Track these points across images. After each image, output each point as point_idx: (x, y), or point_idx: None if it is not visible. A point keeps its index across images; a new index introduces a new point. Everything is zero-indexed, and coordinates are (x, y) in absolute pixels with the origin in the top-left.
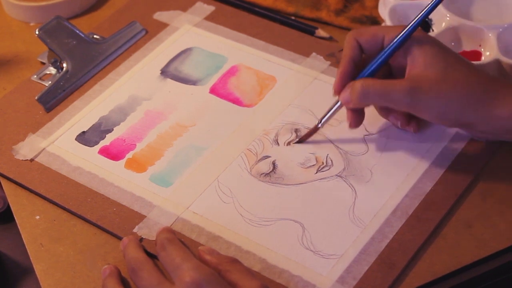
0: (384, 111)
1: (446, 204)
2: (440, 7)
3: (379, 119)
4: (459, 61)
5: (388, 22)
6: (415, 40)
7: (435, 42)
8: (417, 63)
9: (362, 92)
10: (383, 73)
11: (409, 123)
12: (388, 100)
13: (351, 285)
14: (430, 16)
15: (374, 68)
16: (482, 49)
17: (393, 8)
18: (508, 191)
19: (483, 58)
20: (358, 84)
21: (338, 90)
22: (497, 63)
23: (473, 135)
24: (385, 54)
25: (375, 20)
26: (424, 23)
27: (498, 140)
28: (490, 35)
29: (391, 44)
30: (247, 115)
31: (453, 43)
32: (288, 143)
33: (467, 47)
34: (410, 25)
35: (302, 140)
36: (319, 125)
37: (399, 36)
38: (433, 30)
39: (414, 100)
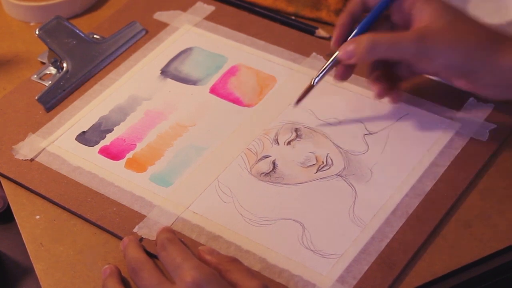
0: (373, 72)
1: (446, 204)
2: None
3: (379, 119)
4: (465, 15)
5: None
6: None
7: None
8: (424, 16)
9: (370, 45)
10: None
11: (389, 93)
12: (397, 50)
13: (351, 285)
14: None
15: (369, 20)
16: None
17: None
18: (508, 191)
19: None
20: (364, 37)
21: (338, 43)
22: None
23: (476, 91)
24: (383, 4)
25: None
26: None
27: (500, 98)
28: None
29: None
30: (247, 115)
31: None
32: (289, 143)
33: None
34: None
35: (299, 100)
36: (314, 83)
37: None
38: None
39: (421, 48)
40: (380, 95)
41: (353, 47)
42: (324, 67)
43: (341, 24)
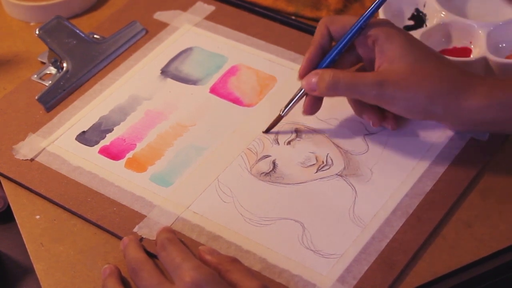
0: (358, 108)
1: (446, 204)
2: (434, 3)
3: None
4: (428, 55)
5: (382, 16)
6: (382, 31)
7: (404, 34)
8: (385, 56)
9: (331, 83)
10: (353, 65)
11: (384, 120)
12: (357, 92)
13: (351, 285)
14: (425, 11)
15: (334, 55)
16: (473, 46)
17: (387, 2)
18: (508, 191)
19: (472, 55)
20: (327, 74)
21: (303, 76)
22: (484, 60)
23: (445, 126)
24: (344, 41)
25: None
26: (418, 18)
27: (470, 132)
28: (480, 32)
29: (350, 30)
30: (247, 115)
31: (443, 39)
32: (289, 143)
33: (457, 43)
34: (368, 11)
35: (268, 130)
36: (282, 114)
37: (357, 22)
38: (426, 26)
39: (381, 93)
40: (375, 125)
41: (315, 80)
42: (293, 98)
43: (308, 57)
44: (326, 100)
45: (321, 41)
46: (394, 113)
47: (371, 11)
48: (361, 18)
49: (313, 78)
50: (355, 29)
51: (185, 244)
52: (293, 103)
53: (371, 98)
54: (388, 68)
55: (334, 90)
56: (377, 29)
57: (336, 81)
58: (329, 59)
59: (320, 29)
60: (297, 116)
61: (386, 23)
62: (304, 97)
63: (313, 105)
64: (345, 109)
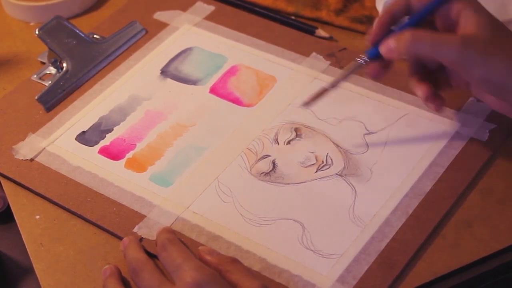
0: (416, 76)
1: (446, 204)
2: None
3: (379, 119)
4: (506, 29)
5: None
6: (472, 4)
7: (483, 8)
8: (470, 24)
9: (412, 40)
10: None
11: (434, 99)
12: (438, 52)
13: (351, 285)
14: None
15: (414, 22)
16: None
17: (387, 2)
18: (508, 191)
19: None
20: (407, 32)
21: (375, 39)
22: None
23: (506, 113)
24: (428, 8)
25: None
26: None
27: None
28: None
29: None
30: (247, 115)
31: None
32: (288, 142)
33: None
34: None
35: (308, 102)
36: (328, 86)
37: None
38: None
39: (463, 55)
40: (426, 98)
41: (393, 41)
42: (346, 71)
43: (380, 22)
44: (326, 100)
45: (395, 9)
46: (464, 82)
47: None
48: None
49: (391, 40)
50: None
51: (185, 244)
52: (345, 76)
53: (451, 59)
54: (473, 32)
55: (414, 46)
56: (464, 1)
57: (418, 38)
58: (407, 25)
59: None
60: (297, 116)
61: None
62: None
63: (380, 71)
64: (345, 108)
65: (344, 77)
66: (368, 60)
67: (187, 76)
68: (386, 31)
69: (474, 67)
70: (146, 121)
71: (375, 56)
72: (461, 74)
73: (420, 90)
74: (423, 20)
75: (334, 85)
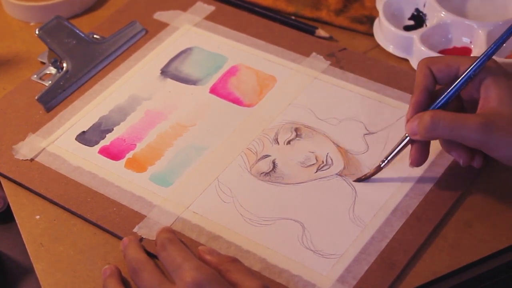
0: (448, 145)
1: (446, 204)
2: (434, 3)
3: (379, 119)
4: None
5: (382, 15)
6: (489, 73)
7: (510, 76)
8: (491, 98)
9: (431, 124)
10: (454, 107)
11: (473, 158)
12: (458, 135)
13: (351, 285)
14: (425, 11)
15: (447, 99)
16: (473, 46)
17: (388, 2)
18: (508, 191)
19: (472, 55)
20: (427, 115)
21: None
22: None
23: None
24: (459, 84)
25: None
26: (418, 18)
27: None
28: (480, 32)
29: (465, 73)
30: (247, 115)
31: (443, 39)
32: (288, 142)
33: (457, 43)
34: (484, 54)
35: (361, 179)
36: (382, 165)
37: (473, 65)
38: (426, 25)
39: (485, 138)
40: (465, 163)
41: (415, 124)
42: (395, 147)
43: (415, 101)
44: (326, 100)
45: (425, 83)
46: (493, 157)
47: (487, 53)
48: (477, 62)
49: (414, 121)
50: (470, 72)
51: (185, 244)
52: (396, 153)
53: (473, 142)
54: (494, 110)
55: (433, 131)
56: (485, 70)
57: (436, 122)
58: (441, 103)
59: (422, 71)
60: (297, 116)
61: (494, 63)
62: (410, 145)
63: (420, 153)
64: (345, 108)
65: (396, 154)
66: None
67: (187, 76)
68: (423, 109)
69: (498, 148)
70: (146, 121)
71: None
72: (486, 152)
73: (457, 156)
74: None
75: (387, 162)
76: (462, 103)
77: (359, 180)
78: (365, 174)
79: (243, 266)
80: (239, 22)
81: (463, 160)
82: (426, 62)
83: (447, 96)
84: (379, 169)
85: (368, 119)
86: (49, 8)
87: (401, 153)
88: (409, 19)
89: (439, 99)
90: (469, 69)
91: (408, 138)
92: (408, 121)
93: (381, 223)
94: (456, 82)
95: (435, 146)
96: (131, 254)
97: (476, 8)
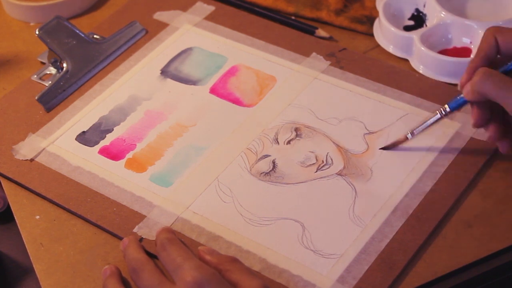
0: (483, 116)
1: (446, 204)
2: (434, 3)
3: (379, 118)
4: None
5: (382, 15)
6: None
7: None
8: None
9: (480, 79)
10: None
11: (502, 139)
12: (502, 98)
13: (351, 285)
14: (425, 11)
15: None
16: (473, 46)
17: (387, 2)
18: (508, 191)
19: (472, 55)
20: (480, 70)
21: (464, 84)
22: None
23: None
24: None
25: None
26: (418, 18)
27: None
28: (480, 32)
29: None
30: (247, 115)
31: (443, 39)
32: (288, 142)
33: (457, 43)
34: None
35: (386, 147)
36: (410, 137)
37: None
38: (426, 25)
39: None
40: (493, 139)
41: (470, 81)
42: (426, 122)
43: (472, 66)
44: (326, 100)
45: (488, 52)
46: None
47: None
48: None
49: (471, 80)
50: None
51: (185, 244)
52: (426, 127)
53: None
54: None
55: (482, 87)
56: None
57: (486, 78)
58: (509, 68)
59: (487, 39)
60: (297, 116)
61: None
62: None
63: (479, 114)
64: (345, 108)
65: (424, 129)
66: (449, 111)
67: (187, 76)
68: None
69: None
70: (146, 121)
71: (456, 107)
72: None
73: (489, 131)
74: None
75: (413, 134)
76: None
77: (385, 148)
78: (392, 143)
79: (243, 266)
80: (239, 22)
81: (493, 136)
82: (493, 31)
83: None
84: (404, 140)
85: (368, 119)
86: (49, 8)
87: (399, 155)
88: (409, 19)
89: (510, 64)
90: None
91: (438, 115)
92: (463, 82)
93: (381, 223)
94: None
95: (436, 146)
96: (131, 254)
97: (476, 8)
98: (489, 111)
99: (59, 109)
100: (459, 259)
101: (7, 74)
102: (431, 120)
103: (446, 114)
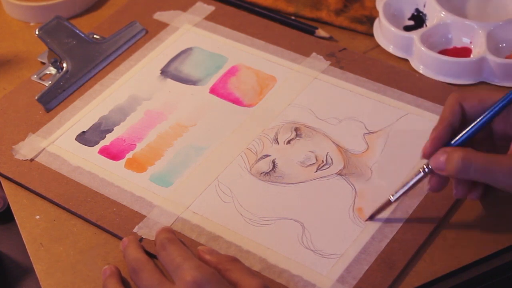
0: (455, 182)
1: (446, 204)
2: (434, 3)
3: (379, 118)
4: None
5: (382, 15)
6: None
7: None
8: None
9: (462, 166)
10: (480, 139)
11: (472, 190)
12: (490, 179)
13: (351, 285)
14: (425, 11)
15: (470, 134)
16: (473, 46)
17: (387, 2)
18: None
19: (472, 55)
20: (457, 155)
21: (429, 155)
22: (484, 60)
23: None
24: (484, 119)
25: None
26: (418, 18)
27: None
28: (480, 32)
29: (493, 107)
30: (247, 115)
31: (443, 39)
32: (288, 142)
33: (458, 43)
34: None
35: (372, 217)
36: (392, 200)
37: (501, 99)
38: (426, 25)
39: None
40: (460, 196)
41: (443, 160)
42: (408, 182)
43: (436, 136)
44: (326, 100)
45: (452, 119)
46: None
47: None
48: (506, 96)
49: (441, 157)
50: (500, 105)
51: (184, 244)
52: (409, 188)
53: (505, 186)
54: None
55: (464, 173)
56: None
57: (467, 164)
58: (463, 138)
59: (451, 106)
60: (297, 116)
61: None
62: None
63: (439, 183)
64: (345, 108)
65: (408, 189)
66: (429, 169)
67: (187, 76)
68: (442, 144)
69: None
70: (146, 121)
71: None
72: None
73: (458, 190)
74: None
75: (398, 197)
76: (492, 138)
77: (370, 218)
78: (376, 210)
79: (243, 265)
80: (239, 22)
81: (461, 193)
82: (458, 98)
83: (471, 131)
84: (388, 204)
85: (368, 119)
86: (49, 8)
87: (399, 155)
88: (409, 19)
89: (464, 133)
90: (497, 103)
91: (422, 174)
92: (426, 153)
93: (381, 223)
94: (482, 116)
95: None
96: (131, 254)
97: (476, 8)
98: (448, 180)
99: (59, 109)
100: (459, 259)
101: (7, 74)
102: (414, 180)
103: (430, 172)
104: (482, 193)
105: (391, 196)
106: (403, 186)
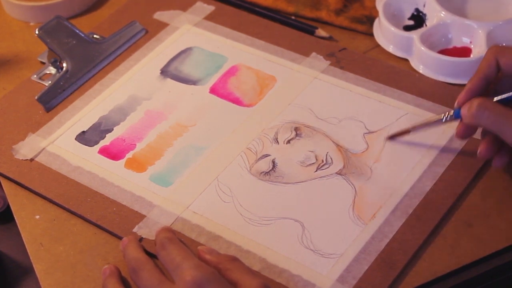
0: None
1: (446, 203)
2: (434, 3)
3: (379, 118)
4: None
5: (382, 15)
6: None
7: None
8: None
9: (476, 111)
10: None
11: (495, 154)
12: (499, 130)
13: (351, 285)
14: (425, 11)
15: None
16: (473, 46)
17: (387, 2)
18: (508, 191)
19: (472, 55)
20: (476, 102)
21: (462, 103)
22: None
23: None
24: None
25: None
26: (418, 18)
27: None
28: (480, 32)
29: None
30: (247, 115)
31: (443, 39)
32: (288, 141)
33: (457, 43)
34: None
35: (392, 136)
36: (411, 130)
37: None
38: (426, 25)
39: None
40: (484, 155)
41: (466, 108)
42: (428, 120)
43: (470, 88)
44: (326, 99)
45: (487, 72)
46: None
47: None
48: None
49: (467, 106)
50: None
51: (184, 244)
52: (428, 124)
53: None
54: None
55: (477, 120)
56: None
57: (481, 111)
58: (505, 97)
59: (488, 59)
60: (297, 116)
61: None
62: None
63: (465, 130)
64: (345, 108)
65: (425, 126)
66: (451, 117)
67: (187, 76)
68: (476, 96)
69: None
70: (146, 121)
71: (459, 116)
72: None
73: (481, 147)
74: None
75: (416, 129)
76: None
77: (391, 138)
78: (397, 132)
79: (243, 265)
80: (239, 22)
81: (485, 151)
82: (495, 52)
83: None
84: (407, 131)
85: (368, 119)
86: (49, 8)
87: (399, 155)
88: (409, 19)
89: (505, 95)
90: None
91: (443, 116)
92: (460, 102)
93: (381, 222)
94: None
95: (435, 146)
96: (131, 254)
97: (476, 8)
98: (475, 130)
99: (59, 109)
100: (459, 259)
101: (7, 74)
102: (435, 119)
103: (449, 119)
104: (506, 161)
105: (410, 127)
106: (425, 120)
